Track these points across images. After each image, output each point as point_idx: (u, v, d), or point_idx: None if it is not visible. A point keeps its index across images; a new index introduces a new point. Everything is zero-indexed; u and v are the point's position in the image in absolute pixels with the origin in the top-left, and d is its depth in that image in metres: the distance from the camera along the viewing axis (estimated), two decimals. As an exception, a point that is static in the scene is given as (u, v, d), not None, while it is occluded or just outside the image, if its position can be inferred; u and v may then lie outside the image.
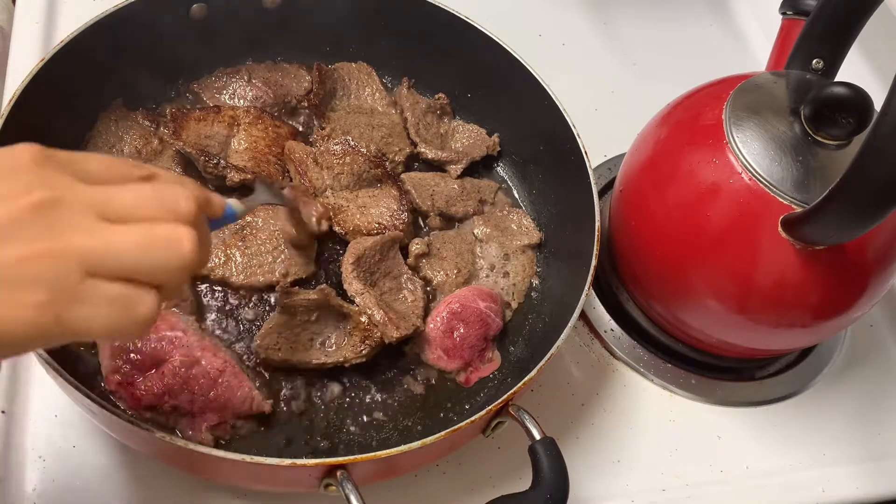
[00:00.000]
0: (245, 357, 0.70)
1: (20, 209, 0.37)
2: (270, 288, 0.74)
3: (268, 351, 0.68)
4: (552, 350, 0.63)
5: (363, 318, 0.69)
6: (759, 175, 0.66)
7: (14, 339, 0.36)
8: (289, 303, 0.69)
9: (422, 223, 0.83)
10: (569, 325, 0.65)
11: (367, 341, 0.69)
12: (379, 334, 0.69)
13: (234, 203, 0.55)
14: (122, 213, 0.40)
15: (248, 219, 0.76)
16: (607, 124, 0.91)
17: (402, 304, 0.74)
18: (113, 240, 0.39)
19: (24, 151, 0.39)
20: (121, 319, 0.39)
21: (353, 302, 0.71)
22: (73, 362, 0.65)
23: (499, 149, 0.89)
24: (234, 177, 0.76)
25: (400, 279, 0.75)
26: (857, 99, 0.64)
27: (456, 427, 0.58)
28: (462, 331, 0.73)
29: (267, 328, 0.69)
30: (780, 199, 0.65)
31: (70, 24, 0.89)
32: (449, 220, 0.84)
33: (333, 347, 0.70)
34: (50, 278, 0.37)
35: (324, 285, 0.70)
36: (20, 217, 0.37)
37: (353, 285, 0.71)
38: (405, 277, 0.76)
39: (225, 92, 0.85)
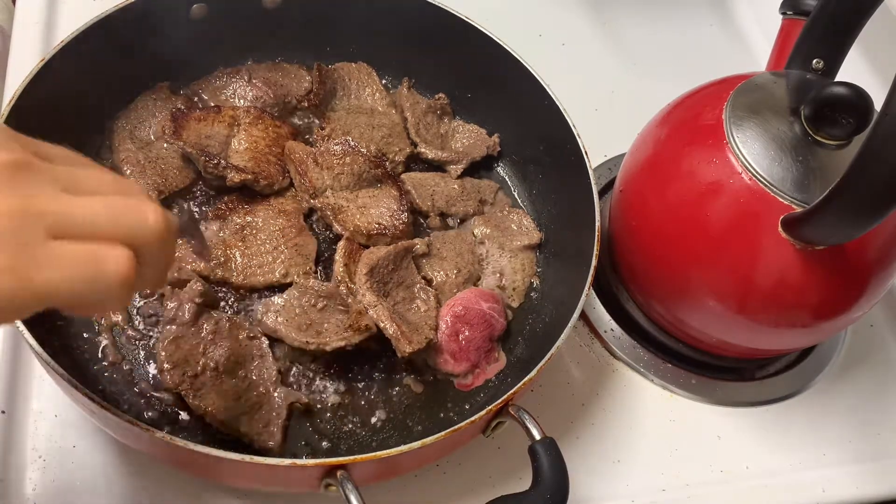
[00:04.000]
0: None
1: None
2: (270, 288, 0.74)
3: (265, 315, 0.70)
4: (552, 350, 0.63)
5: (359, 307, 0.70)
6: (760, 175, 0.66)
7: None
8: (303, 282, 0.71)
9: (422, 223, 0.83)
10: (569, 325, 0.65)
11: (351, 327, 0.69)
12: (364, 323, 0.69)
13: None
14: (83, 188, 0.39)
15: (248, 219, 0.76)
16: (607, 124, 0.91)
17: (414, 315, 0.74)
18: (78, 203, 0.38)
19: None
20: (91, 277, 0.37)
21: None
22: (74, 361, 0.66)
23: (499, 149, 0.89)
24: (234, 177, 0.76)
25: (413, 288, 0.75)
26: (857, 99, 0.64)
27: (456, 427, 0.58)
28: (467, 333, 0.73)
29: (273, 300, 0.71)
30: (780, 199, 0.65)
31: (70, 24, 0.90)
32: (449, 220, 0.84)
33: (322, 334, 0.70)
34: (12, 237, 0.34)
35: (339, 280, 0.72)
36: None
37: (366, 297, 0.71)
38: (418, 287, 0.76)
39: (225, 92, 0.85)
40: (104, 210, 0.38)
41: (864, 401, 0.85)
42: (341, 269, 0.73)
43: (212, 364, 0.66)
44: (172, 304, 0.68)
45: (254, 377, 0.68)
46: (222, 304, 0.73)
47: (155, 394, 0.66)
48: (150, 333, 0.69)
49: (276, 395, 0.68)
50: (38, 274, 0.35)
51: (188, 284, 0.69)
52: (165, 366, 0.65)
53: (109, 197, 0.39)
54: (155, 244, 0.40)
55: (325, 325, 0.70)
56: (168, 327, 0.67)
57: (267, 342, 0.70)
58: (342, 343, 0.69)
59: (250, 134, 0.80)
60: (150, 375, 0.67)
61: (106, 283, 0.37)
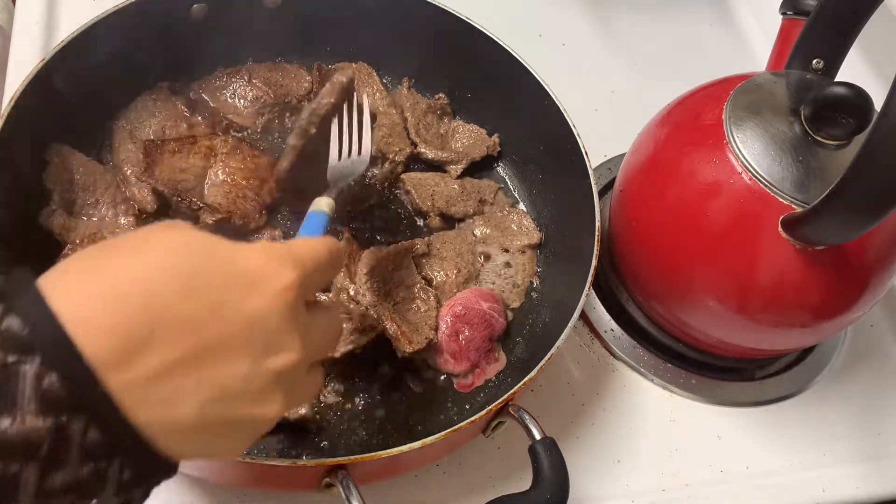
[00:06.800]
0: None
1: (284, 366, 0.40)
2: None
3: None
4: (552, 350, 0.63)
5: (362, 310, 0.70)
6: (760, 175, 0.66)
7: (266, 426, 0.41)
8: None
9: (422, 223, 0.83)
10: (569, 325, 0.65)
11: (357, 330, 0.69)
12: (369, 323, 0.69)
13: (326, 206, 0.57)
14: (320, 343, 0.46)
15: None
16: (607, 124, 0.91)
17: (414, 315, 0.74)
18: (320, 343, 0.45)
19: (279, 297, 0.40)
20: (314, 393, 0.49)
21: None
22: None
23: (499, 149, 0.89)
24: (206, 218, 0.73)
25: (413, 288, 0.75)
26: (857, 99, 0.64)
27: (456, 427, 0.58)
28: (467, 333, 0.73)
29: None
30: (780, 199, 0.65)
31: (70, 24, 0.90)
32: (449, 220, 0.84)
33: None
34: (286, 389, 0.41)
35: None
36: (283, 373, 0.40)
37: (366, 297, 0.71)
38: (418, 287, 0.76)
39: (225, 92, 0.85)
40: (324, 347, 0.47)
41: (864, 401, 0.85)
42: (342, 270, 0.73)
43: None
44: None
45: None
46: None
47: None
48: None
49: None
50: (295, 399, 0.44)
51: None
52: None
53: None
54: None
55: None
56: None
57: None
58: (350, 347, 0.69)
59: (227, 165, 0.77)
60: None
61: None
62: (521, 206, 0.87)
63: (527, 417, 0.61)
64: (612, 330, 0.84)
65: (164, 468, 0.37)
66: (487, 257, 0.82)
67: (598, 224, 0.71)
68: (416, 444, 0.57)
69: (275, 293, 0.39)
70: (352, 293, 0.72)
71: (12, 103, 0.65)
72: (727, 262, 0.69)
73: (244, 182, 0.77)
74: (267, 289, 0.39)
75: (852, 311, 0.70)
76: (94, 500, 0.34)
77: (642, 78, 1.06)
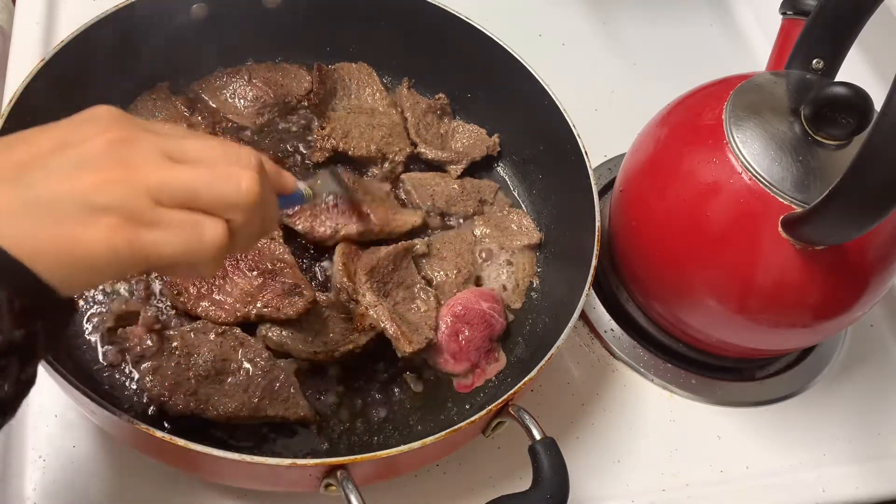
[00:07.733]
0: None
1: (96, 145, 0.41)
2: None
3: (270, 330, 0.69)
4: (552, 350, 0.63)
5: (361, 309, 0.70)
6: (759, 175, 0.66)
7: (91, 261, 0.38)
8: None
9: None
10: (569, 325, 0.65)
11: (356, 329, 0.69)
12: (368, 322, 0.69)
13: (303, 187, 0.56)
14: (188, 156, 0.43)
15: None
16: (607, 124, 0.91)
17: (414, 315, 0.74)
18: (178, 172, 0.42)
19: (102, 107, 0.44)
20: (190, 242, 0.41)
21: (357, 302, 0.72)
22: (75, 362, 0.66)
23: (499, 149, 0.89)
24: None
25: (413, 289, 0.75)
26: (857, 99, 0.64)
27: (456, 427, 0.58)
28: (467, 333, 0.73)
29: None
30: (780, 199, 0.65)
31: (70, 24, 0.90)
32: (449, 220, 0.84)
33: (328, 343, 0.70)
34: (121, 202, 0.39)
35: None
36: (96, 152, 0.41)
37: (366, 297, 0.71)
38: (418, 287, 0.76)
39: (225, 92, 0.85)
40: (201, 178, 0.42)
41: (864, 401, 0.85)
42: (340, 269, 0.73)
43: (203, 373, 0.65)
44: (133, 343, 0.67)
45: (247, 364, 0.67)
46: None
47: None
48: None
49: (278, 369, 0.67)
50: (143, 236, 0.40)
51: (139, 316, 0.68)
52: (164, 398, 0.64)
53: (208, 165, 0.43)
54: (246, 212, 0.44)
55: (331, 333, 0.71)
56: (143, 366, 0.66)
57: (239, 329, 0.69)
58: (350, 346, 0.69)
59: None
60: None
61: (202, 250, 0.42)
62: (521, 206, 0.87)
63: (527, 417, 0.61)
64: (612, 330, 0.84)
65: (44, 290, 0.37)
66: (487, 257, 0.82)
67: (598, 224, 0.71)
68: (416, 444, 0.57)
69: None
70: (351, 293, 0.72)
71: (12, 103, 0.65)
72: (727, 262, 0.69)
73: None
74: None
75: (852, 311, 0.70)
76: None
77: (642, 78, 1.06)
